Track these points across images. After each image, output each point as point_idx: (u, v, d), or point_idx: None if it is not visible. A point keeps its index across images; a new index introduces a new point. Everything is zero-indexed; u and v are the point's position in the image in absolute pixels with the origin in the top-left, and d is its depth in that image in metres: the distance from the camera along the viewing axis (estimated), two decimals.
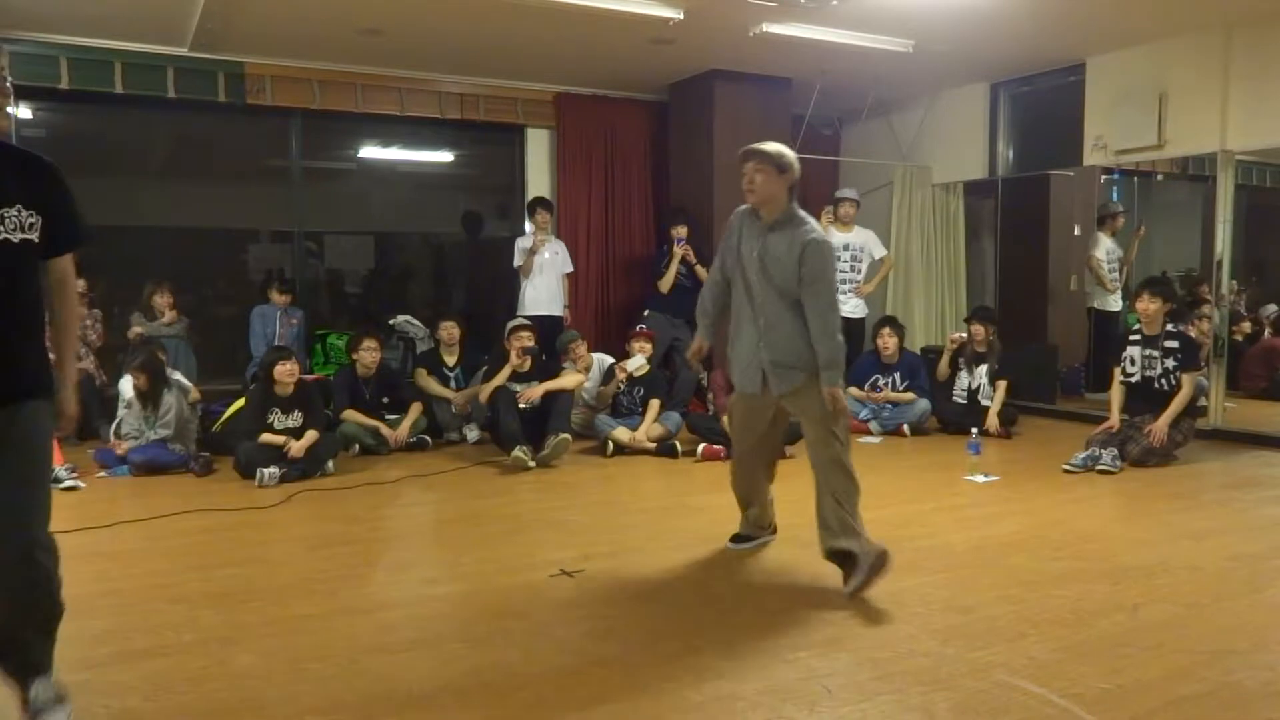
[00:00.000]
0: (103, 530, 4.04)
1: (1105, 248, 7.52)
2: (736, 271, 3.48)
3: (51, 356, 2.28)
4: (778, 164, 3.36)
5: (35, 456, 2.20)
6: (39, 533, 2.16)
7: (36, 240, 2.16)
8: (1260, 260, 7.86)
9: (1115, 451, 5.20)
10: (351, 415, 5.83)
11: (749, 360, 3.45)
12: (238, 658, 2.69)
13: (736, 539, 3.82)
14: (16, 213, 2.12)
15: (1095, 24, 6.13)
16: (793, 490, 4.74)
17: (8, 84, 2.71)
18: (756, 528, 3.83)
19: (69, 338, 2.35)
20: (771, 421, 3.61)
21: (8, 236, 2.11)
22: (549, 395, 5.63)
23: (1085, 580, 3.33)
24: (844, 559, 3.27)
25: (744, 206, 3.53)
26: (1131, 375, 5.49)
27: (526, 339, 5.83)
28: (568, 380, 5.87)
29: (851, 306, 7.14)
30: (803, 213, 3.40)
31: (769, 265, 3.34)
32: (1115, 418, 5.44)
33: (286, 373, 5.26)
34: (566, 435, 5.44)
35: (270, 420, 5.21)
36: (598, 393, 6.33)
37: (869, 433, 6.42)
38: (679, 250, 7.02)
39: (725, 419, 4.89)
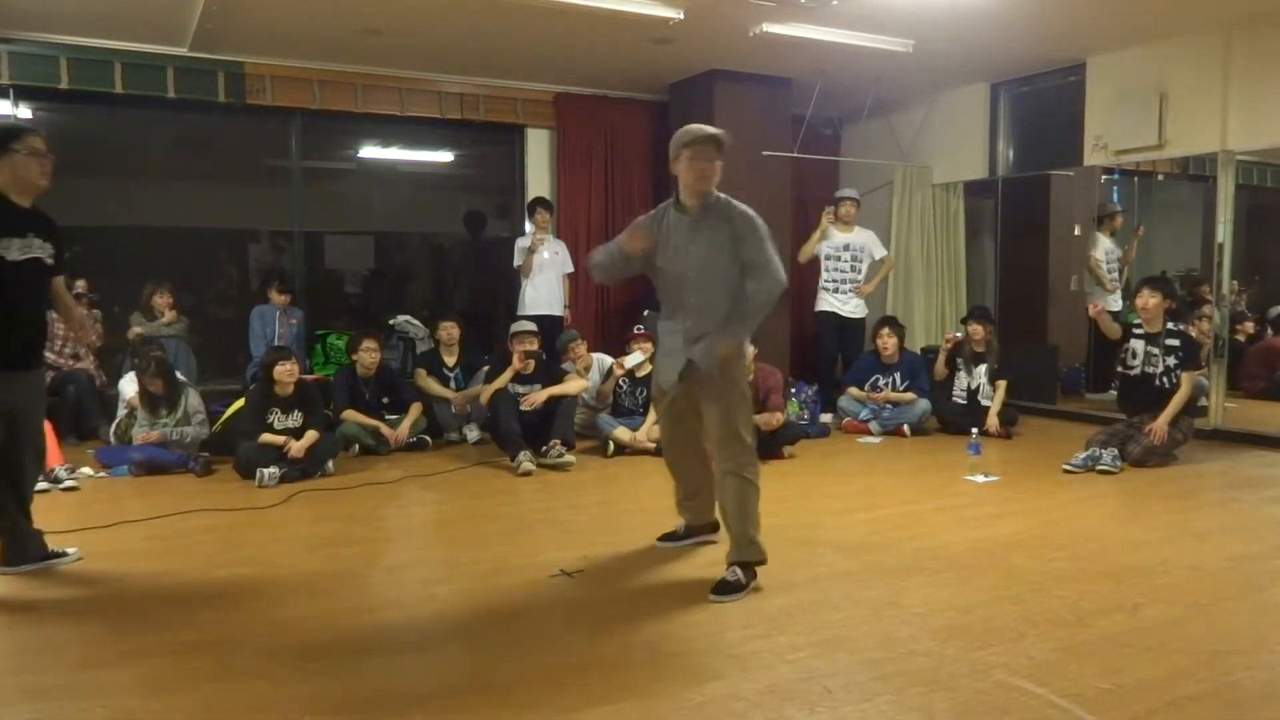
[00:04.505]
0: (103, 530, 4.04)
1: (1104, 248, 7.51)
2: (666, 266, 3.34)
3: None
4: (723, 152, 3.27)
5: None
6: None
7: None
8: (1261, 260, 7.85)
9: (1115, 451, 5.20)
10: (351, 415, 5.83)
11: (673, 349, 3.36)
12: (238, 658, 2.69)
13: (668, 538, 3.84)
14: None
15: (1095, 24, 6.12)
16: (793, 490, 4.75)
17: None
18: (698, 520, 3.80)
19: None
20: (696, 414, 3.52)
21: None
22: (552, 399, 5.63)
23: (1085, 580, 3.33)
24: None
25: (667, 202, 3.42)
26: (1133, 368, 5.48)
27: (531, 345, 5.81)
28: (571, 386, 5.87)
29: (852, 307, 7.16)
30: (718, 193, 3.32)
31: (707, 256, 3.25)
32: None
33: (286, 373, 5.26)
34: (571, 459, 5.39)
35: (270, 420, 5.22)
36: (598, 391, 6.33)
37: (869, 433, 6.41)
38: None
39: None
